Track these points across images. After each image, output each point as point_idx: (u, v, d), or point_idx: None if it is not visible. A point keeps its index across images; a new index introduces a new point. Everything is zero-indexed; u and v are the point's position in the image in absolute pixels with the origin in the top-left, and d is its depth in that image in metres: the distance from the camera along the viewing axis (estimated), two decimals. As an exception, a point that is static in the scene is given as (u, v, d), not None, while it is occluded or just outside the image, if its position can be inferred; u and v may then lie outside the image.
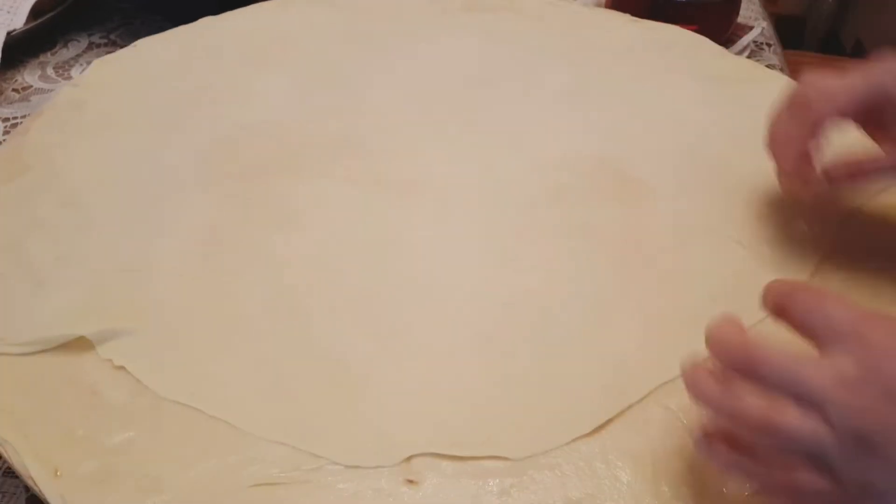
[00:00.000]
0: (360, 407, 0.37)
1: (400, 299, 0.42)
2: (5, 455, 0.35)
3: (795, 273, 0.44)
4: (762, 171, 0.50)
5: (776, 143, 0.41)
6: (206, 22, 0.61)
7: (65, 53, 0.70)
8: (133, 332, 0.39)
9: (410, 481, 0.34)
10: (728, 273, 0.44)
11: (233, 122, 0.52)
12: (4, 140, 0.59)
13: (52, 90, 0.65)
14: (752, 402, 0.28)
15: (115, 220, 0.45)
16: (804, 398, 0.27)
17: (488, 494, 0.34)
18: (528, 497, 0.34)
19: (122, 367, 0.38)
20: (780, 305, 0.30)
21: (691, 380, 0.30)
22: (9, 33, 0.65)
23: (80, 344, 0.39)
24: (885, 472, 0.26)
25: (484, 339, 0.40)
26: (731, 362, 0.29)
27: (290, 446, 0.35)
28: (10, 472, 0.40)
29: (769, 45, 0.72)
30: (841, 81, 0.38)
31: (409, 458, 0.35)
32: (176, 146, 0.50)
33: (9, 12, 0.66)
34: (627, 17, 0.64)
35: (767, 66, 0.65)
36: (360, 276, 0.43)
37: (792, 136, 0.40)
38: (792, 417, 0.27)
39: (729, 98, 0.55)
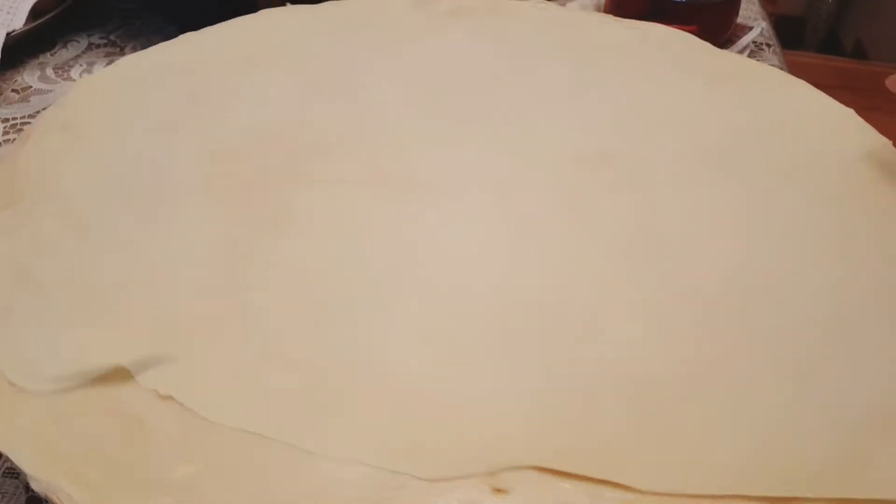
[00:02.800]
0: (432, 418, 0.35)
1: (433, 302, 0.40)
2: None
3: (795, 262, 0.44)
4: (763, 167, 0.50)
5: None
6: (188, 37, 0.60)
7: (64, 54, 0.70)
8: (169, 356, 0.37)
9: (498, 490, 0.32)
10: (728, 270, 0.44)
11: (233, 127, 0.52)
12: (4, 141, 0.59)
13: (51, 91, 0.65)
14: None
15: (123, 239, 0.44)
16: None
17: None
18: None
19: (168, 396, 0.35)
20: None
21: None
22: (8, 34, 0.65)
23: (116, 374, 0.36)
24: None
25: (516, 341, 0.39)
26: None
27: (366, 465, 0.33)
28: (10, 473, 0.40)
29: (769, 46, 0.72)
30: None
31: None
32: (176, 158, 0.49)
33: (8, 13, 0.65)
34: (613, 18, 0.64)
35: (767, 67, 0.65)
36: (388, 280, 0.41)
37: None
38: None
39: (727, 94, 0.56)
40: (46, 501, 0.33)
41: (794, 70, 0.69)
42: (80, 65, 0.69)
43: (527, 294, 0.41)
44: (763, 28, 0.73)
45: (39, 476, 0.33)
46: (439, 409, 0.36)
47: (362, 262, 0.43)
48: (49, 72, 0.68)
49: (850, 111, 0.53)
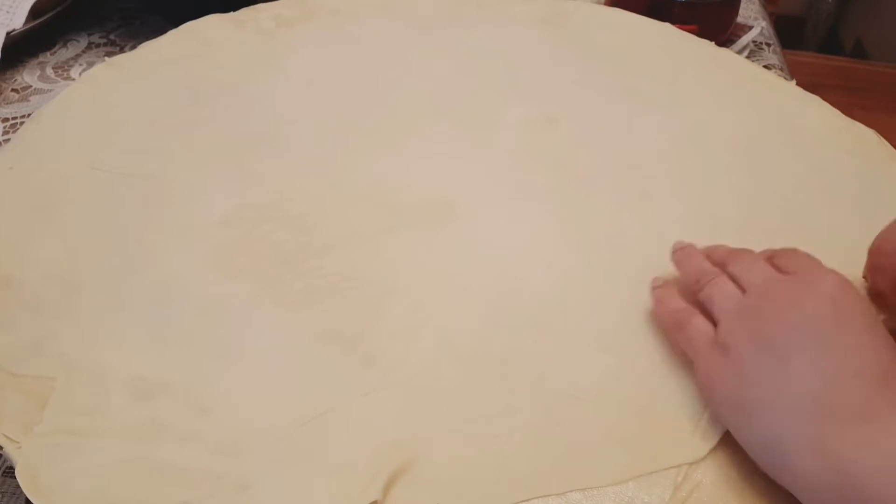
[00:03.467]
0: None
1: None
2: None
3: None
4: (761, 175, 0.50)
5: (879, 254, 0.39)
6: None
7: (64, 53, 0.70)
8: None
9: None
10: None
11: (241, 126, 0.52)
12: (4, 140, 0.59)
13: (51, 90, 0.65)
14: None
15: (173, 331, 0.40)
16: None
17: None
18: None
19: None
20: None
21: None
22: (8, 33, 0.65)
23: None
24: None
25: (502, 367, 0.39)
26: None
27: None
28: (10, 472, 0.40)
29: (769, 45, 0.72)
30: None
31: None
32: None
33: (8, 12, 0.66)
34: (632, 14, 0.64)
35: (766, 66, 0.65)
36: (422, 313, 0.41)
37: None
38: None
39: (730, 98, 0.56)
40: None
41: (794, 69, 0.69)
42: (80, 64, 0.69)
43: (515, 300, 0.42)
44: (763, 27, 0.73)
45: None
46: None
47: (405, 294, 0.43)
48: (49, 71, 0.68)
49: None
